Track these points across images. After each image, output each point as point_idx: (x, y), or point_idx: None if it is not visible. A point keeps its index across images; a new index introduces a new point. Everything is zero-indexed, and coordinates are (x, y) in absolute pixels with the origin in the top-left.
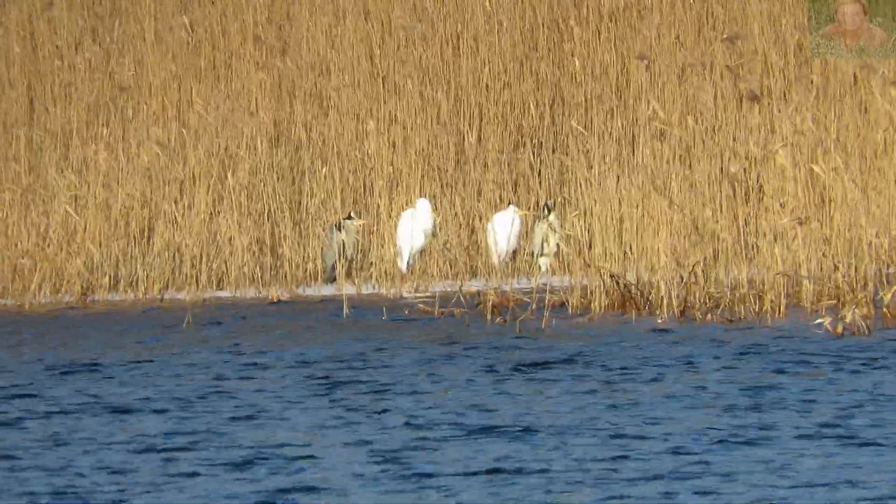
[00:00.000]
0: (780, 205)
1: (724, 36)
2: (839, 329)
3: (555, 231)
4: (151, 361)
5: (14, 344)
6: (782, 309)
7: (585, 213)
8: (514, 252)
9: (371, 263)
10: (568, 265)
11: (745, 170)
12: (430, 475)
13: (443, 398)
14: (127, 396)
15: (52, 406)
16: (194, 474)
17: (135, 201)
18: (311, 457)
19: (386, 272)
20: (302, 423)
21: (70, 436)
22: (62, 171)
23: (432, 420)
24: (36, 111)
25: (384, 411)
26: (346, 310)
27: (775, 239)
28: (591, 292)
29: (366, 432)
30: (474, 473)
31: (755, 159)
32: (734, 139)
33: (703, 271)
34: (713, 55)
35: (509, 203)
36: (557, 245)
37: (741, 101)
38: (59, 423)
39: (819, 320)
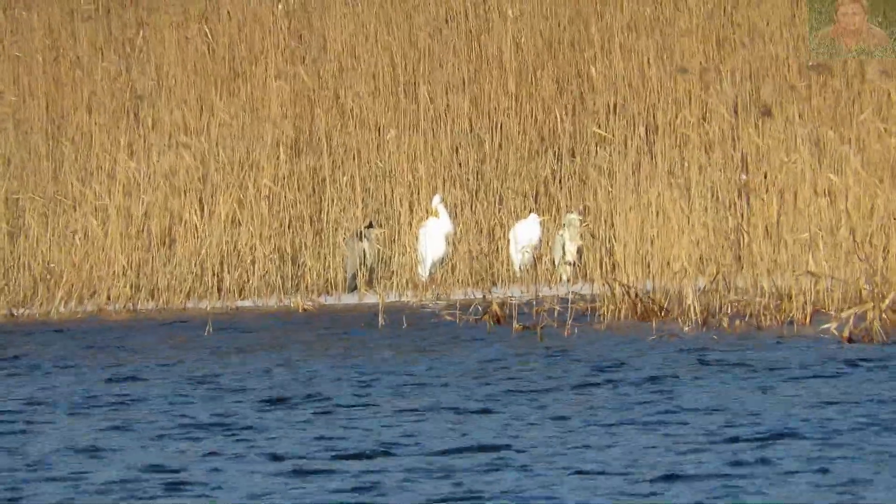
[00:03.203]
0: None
1: (741, 42)
2: (845, 335)
3: (573, 237)
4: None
5: (42, 353)
6: (807, 315)
7: (605, 221)
8: (536, 260)
9: (392, 272)
10: (588, 273)
11: (764, 177)
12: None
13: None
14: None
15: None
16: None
17: (156, 210)
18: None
19: (407, 281)
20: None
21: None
22: (83, 180)
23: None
24: (57, 120)
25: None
26: (381, 320)
27: (795, 249)
28: (615, 301)
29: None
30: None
31: (776, 167)
32: (748, 142)
33: (725, 279)
34: (734, 62)
35: (531, 211)
36: (579, 250)
37: (760, 111)
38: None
39: (826, 325)
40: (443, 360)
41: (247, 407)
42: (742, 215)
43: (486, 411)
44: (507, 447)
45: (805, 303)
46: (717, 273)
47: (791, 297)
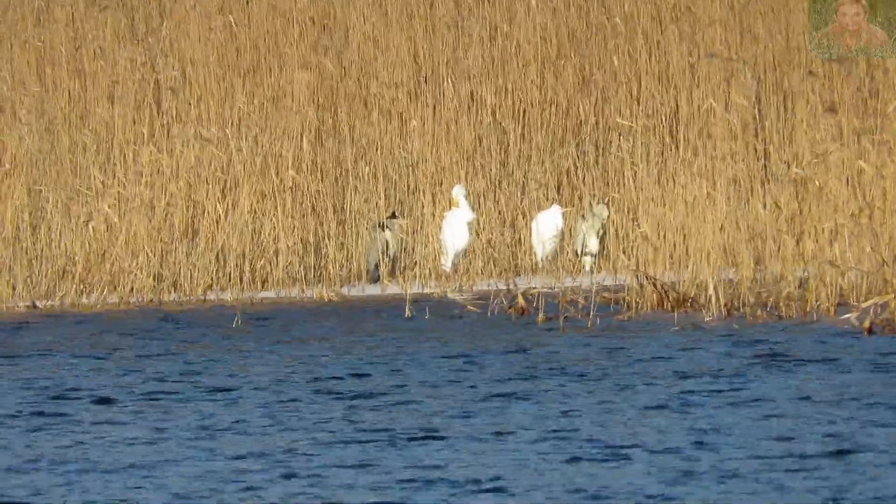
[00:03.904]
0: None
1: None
2: (865, 325)
3: (593, 228)
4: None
5: (69, 343)
6: (831, 306)
7: (628, 211)
8: (559, 250)
9: (415, 262)
10: (612, 264)
11: (787, 166)
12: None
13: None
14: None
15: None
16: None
17: (179, 201)
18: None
19: (430, 271)
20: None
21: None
22: (106, 172)
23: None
24: (79, 111)
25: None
26: (408, 311)
27: (817, 235)
28: (637, 292)
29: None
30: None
31: (800, 158)
32: (782, 136)
33: (748, 269)
34: (756, 53)
35: (553, 201)
36: (602, 241)
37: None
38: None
39: (846, 316)
40: (479, 352)
41: (315, 398)
42: (766, 205)
43: (533, 401)
44: (579, 436)
45: (828, 293)
46: (741, 264)
47: (814, 288)
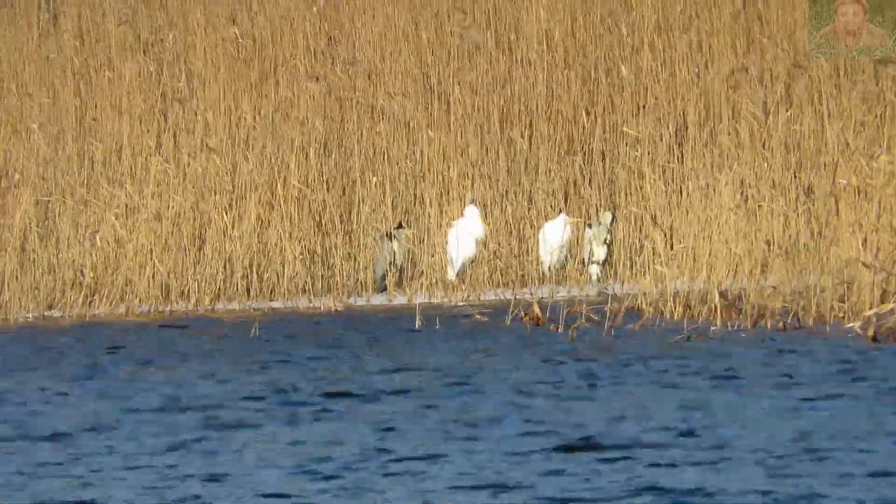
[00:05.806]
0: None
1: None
2: (869, 333)
3: (599, 238)
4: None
5: (89, 355)
6: (844, 314)
7: (635, 220)
8: (566, 259)
9: (422, 273)
10: (618, 273)
11: (794, 175)
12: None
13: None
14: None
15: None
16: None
17: (186, 211)
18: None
19: (437, 281)
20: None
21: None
22: (113, 182)
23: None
24: (87, 122)
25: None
26: (418, 322)
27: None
28: (647, 302)
29: None
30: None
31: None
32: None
33: (757, 278)
34: (763, 62)
35: (560, 211)
36: (608, 251)
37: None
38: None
39: (850, 325)
40: (503, 362)
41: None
42: (771, 212)
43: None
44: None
45: (835, 301)
46: (754, 274)
47: (826, 297)
